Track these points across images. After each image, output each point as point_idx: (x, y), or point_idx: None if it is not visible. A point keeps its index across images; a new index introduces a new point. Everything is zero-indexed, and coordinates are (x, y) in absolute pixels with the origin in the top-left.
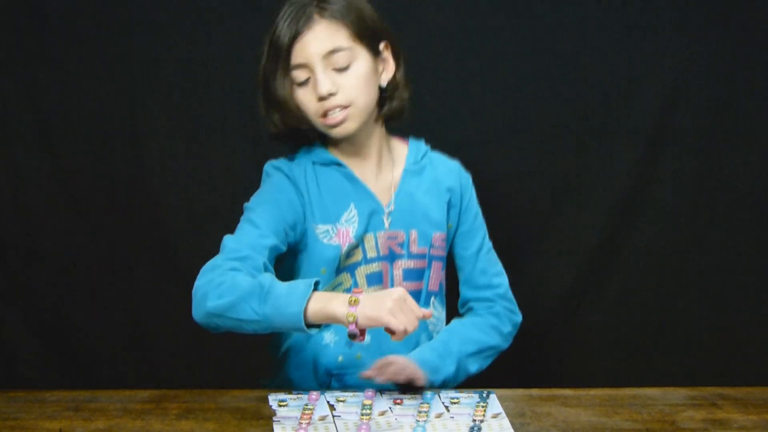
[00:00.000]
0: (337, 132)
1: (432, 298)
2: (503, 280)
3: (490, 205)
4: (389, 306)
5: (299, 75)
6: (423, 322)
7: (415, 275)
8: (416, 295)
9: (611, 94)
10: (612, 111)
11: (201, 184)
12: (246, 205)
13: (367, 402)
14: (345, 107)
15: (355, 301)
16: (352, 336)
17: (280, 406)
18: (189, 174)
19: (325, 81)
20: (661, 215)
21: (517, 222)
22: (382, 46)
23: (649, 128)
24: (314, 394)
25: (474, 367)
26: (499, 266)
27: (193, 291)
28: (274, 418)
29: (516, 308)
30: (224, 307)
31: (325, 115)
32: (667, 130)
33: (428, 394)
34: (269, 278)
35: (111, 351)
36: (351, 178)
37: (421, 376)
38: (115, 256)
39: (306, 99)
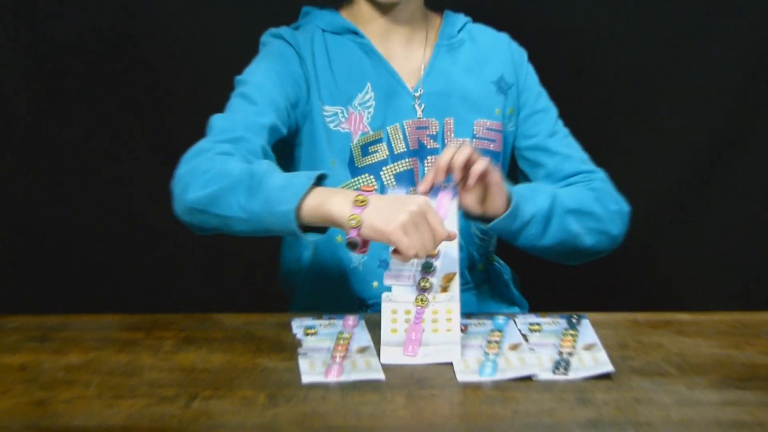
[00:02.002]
0: None
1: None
2: (597, 169)
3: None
4: (403, 219)
5: None
6: (469, 238)
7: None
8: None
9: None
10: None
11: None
12: (238, 77)
13: (345, 335)
14: None
15: (362, 201)
16: (351, 245)
17: (306, 334)
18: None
19: None
20: None
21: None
22: None
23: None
24: (351, 319)
25: (575, 226)
26: (586, 156)
27: (173, 181)
28: (300, 350)
29: (621, 198)
30: (207, 200)
31: None
32: None
33: (500, 319)
34: (266, 166)
35: (89, 267)
36: (370, 51)
37: (502, 186)
38: (98, 141)
39: None
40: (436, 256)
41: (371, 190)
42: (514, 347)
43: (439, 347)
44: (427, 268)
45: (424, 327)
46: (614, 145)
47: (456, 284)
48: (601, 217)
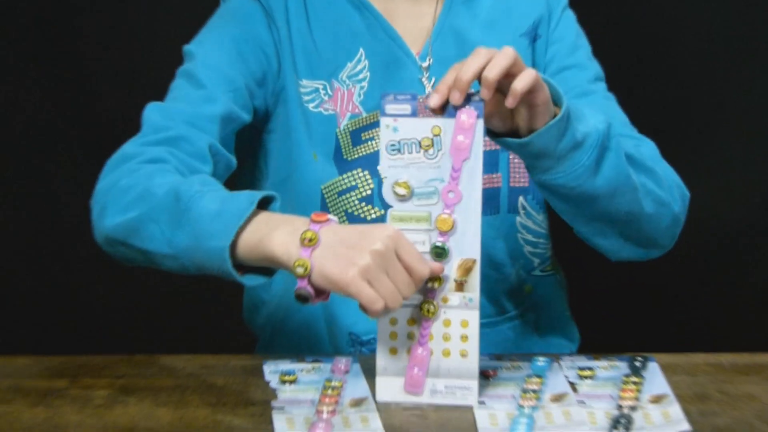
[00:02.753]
0: None
1: (521, 199)
2: (644, 137)
3: None
4: (363, 264)
5: None
6: (512, 239)
7: (485, 159)
8: (492, 197)
9: None
10: None
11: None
12: (186, 47)
13: (335, 383)
14: None
15: (310, 239)
16: (301, 299)
17: (283, 382)
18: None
19: None
20: None
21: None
22: None
23: None
24: (342, 362)
25: (634, 176)
26: (634, 130)
27: (92, 198)
28: (275, 404)
29: (680, 180)
30: (126, 229)
31: None
32: None
33: (540, 360)
34: (198, 183)
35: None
36: (363, 7)
37: (549, 107)
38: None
39: None
40: (450, 231)
41: (324, 220)
42: (559, 398)
43: (452, 381)
44: (439, 253)
45: (432, 348)
46: (692, 154)
47: (476, 278)
48: (660, 179)
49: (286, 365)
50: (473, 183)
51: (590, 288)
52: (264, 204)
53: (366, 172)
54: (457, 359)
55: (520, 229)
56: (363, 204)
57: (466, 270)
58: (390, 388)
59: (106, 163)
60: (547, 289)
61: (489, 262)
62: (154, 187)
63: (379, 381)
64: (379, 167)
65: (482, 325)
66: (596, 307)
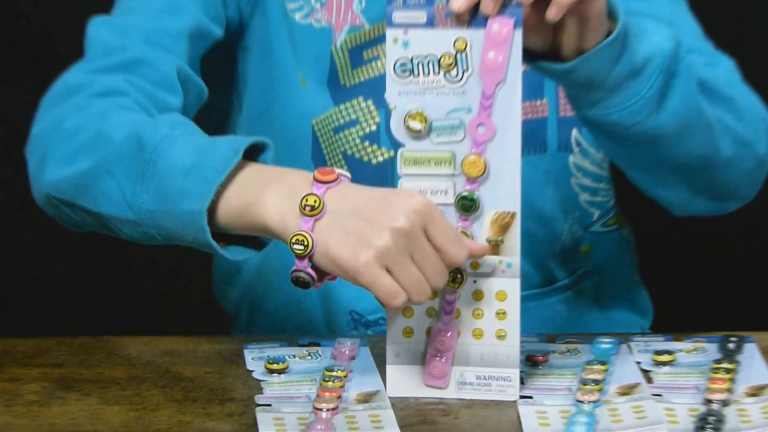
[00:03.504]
0: None
1: (574, 133)
2: (724, 61)
3: None
4: (380, 246)
5: None
6: (564, 185)
7: (525, 82)
8: (536, 130)
9: None
10: None
11: None
12: None
13: (337, 372)
14: None
15: (313, 206)
16: (299, 283)
17: (271, 371)
18: None
19: None
20: None
21: None
22: None
23: None
24: (347, 345)
25: (708, 109)
26: (709, 44)
27: (27, 147)
28: (260, 400)
29: (766, 111)
30: (73, 185)
31: None
32: None
33: (604, 341)
34: (168, 123)
35: None
36: None
37: (603, 20)
38: None
39: None
40: (481, 177)
41: (332, 180)
42: (628, 391)
43: (485, 370)
44: (467, 206)
45: (460, 328)
46: None
47: (515, 237)
48: (742, 111)
49: (273, 350)
50: (510, 113)
51: (664, 248)
52: (252, 154)
53: (369, 102)
54: (492, 342)
55: (574, 172)
56: (366, 143)
57: (503, 227)
58: (404, 380)
59: (43, 99)
60: (610, 250)
61: (533, 216)
62: (110, 129)
63: (391, 371)
64: (386, 94)
65: (526, 299)
66: (673, 273)
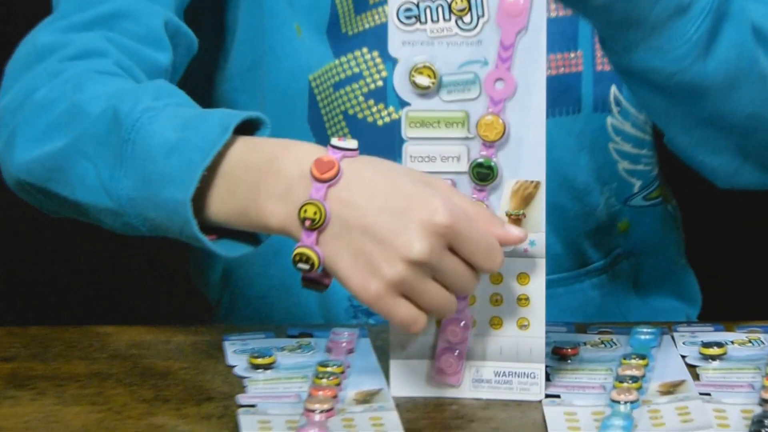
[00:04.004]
0: None
1: (613, 90)
2: None
3: None
4: (395, 272)
5: None
6: (601, 151)
7: (556, 31)
8: (569, 87)
9: None
10: None
11: None
12: None
13: (332, 368)
14: None
15: (314, 218)
16: (310, 283)
17: (255, 366)
18: None
19: None
20: None
21: None
22: None
23: None
24: (344, 336)
25: (763, 59)
26: None
27: None
28: (242, 400)
29: None
30: (45, 168)
31: None
32: None
33: (644, 332)
34: (152, 94)
35: None
36: None
37: None
38: None
39: None
40: (499, 140)
41: (332, 176)
42: (671, 389)
43: (505, 365)
44: (484, 175)
45: (475, 317)
46: None
47: (540, 211)
48: None
49: (258, 341)
50: (534, 66)
51: (713, 225)
52: (247, 129)
53: (375, 54)
54: (514, 332)
55: (612, 136)
56: (371, 102)
57: (525, 199)
58: (411, 377)
59: (8, 64)
60: (652, 226)
61: (564, 187)
62: (86, 101)
63: (395, 367)
64: (388, 45)
65: (553, 283)
66: (723, 254)
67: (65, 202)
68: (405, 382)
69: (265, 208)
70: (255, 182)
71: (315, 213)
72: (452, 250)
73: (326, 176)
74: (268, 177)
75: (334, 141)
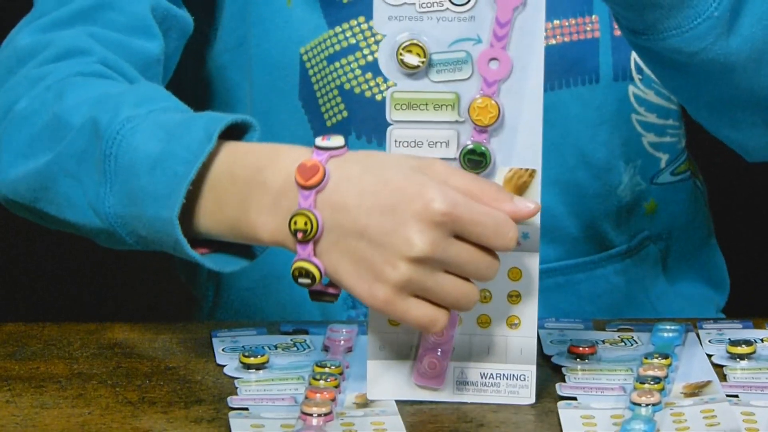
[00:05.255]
0: None
1: (633, 57)
2: None
3: None
4: (398, 275)
5: None
6: (623, 124)
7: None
8: (586, 55)
9: None
10: None
11: None
12: None
13: (330, 368)
14: None
15: (305, 228)
16: (317, 295)
17: (247, 366)
18: None
19: None
20: None
21: None
22: None
23: None
24: (342, 333)
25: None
26: None
27: None
28: (233, 403)
29: None
30: (30, 188)
31: None
32: None
33: (666, 329)
34: (134, 100)
35: None
36: None
37: None
38: None
39: None
40: (493, 125)
41: (317, 182)
42: (696, 391)
43: (492, 367)
44: (476, 162)
45: (462, 314)
46: None
47: (535, 196)
48: None
49: (250, 338)
50: (531, 45)
51: (737, 206)
52: (235, 131)
53: (372, 23)
54: (503, 331)
55: (635, 107)
56: (368, 75)
57: (519, 187)
58: (390, 379)
59: None
60: (681, 205)
61: (582, 165)
62: (67, 111)
63: (373, 368)
64: (372, 21)
65: (572, 268)
66: (749, 239)
67: (55, 221)
68: (383, 384)
69: (255, 221)
70: (242, 195)
71: (306, 223)
72: (460, 236)
73: (311, 182)
74: (255, 189)
75: (318, 141)
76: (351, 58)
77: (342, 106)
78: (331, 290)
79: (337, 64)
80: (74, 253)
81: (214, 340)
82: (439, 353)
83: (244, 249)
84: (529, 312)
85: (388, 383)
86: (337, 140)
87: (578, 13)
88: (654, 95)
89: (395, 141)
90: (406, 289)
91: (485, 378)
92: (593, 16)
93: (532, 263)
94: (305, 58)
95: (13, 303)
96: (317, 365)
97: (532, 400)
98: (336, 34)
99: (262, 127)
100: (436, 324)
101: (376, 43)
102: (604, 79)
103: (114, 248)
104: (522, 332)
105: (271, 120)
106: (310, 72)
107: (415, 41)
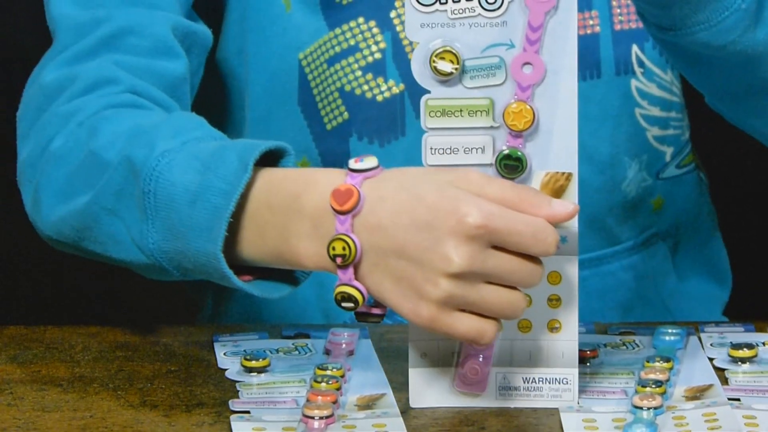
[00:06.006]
0: None
1: (634, 50)
2: None
3: None
4: (439, 292)
5: None
6: (626, 119)
7: None
8: (587, 50)
9: None
10: None
11: None
12: None
13: (332, 371)
14: None
15: (344, 255)
16: (363, 317)
17: (249, 369)
18: None
19: None
20: None
21: None
22: None
23: None
24: (344, 337)
25: None
26: None
27: (18, 177)
28: (235, 406)
29: None
30: (74, 228)
31: None
32: None
33: (669, 333)
34: (168, 132)
35: None
36: None
37: None
38: None
39: None
40: (528, 129)
41: (351, 206)
42: (698, 394)
43: (535, 371)
44: (513, 166)
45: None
46: None
47: (573, 200)
48: None
49: (251, 342)
50: (564, 49)
51: (739, 201)
52: (270, 157)
53: (372, 23)
54: (544, 336)
55: (638, 101)
56: (369, 75)
57: (556, 191)
58: (432, 386)
59: (19, 109)
60: (688, 198)
61: (585, 160)
62: (102, 148)
63: (414, 376)
64: (405, 29)
65: (579, 264)
66: (751, 235)
67: (102, 258)
68: (426, 392)
69: (297, 248)
70: (282, 223)
71: (344, 248)
72: (499, 246)
73: (347, 207)
74: (293, 216)
75: (352, 163)
76: (351, 59)
77: (342, 109)
78: (375, 311)
79: (338, 66)
80: (76, 256)
81: (216, 345)
82: (480, 359)
83: (287, 274)
84: (569, 315)
85: (430, 391)
86: (371, 161)
87: (578, 9)
88: (656, 88)
89: (431, 148)
90: (449, 304)
91: (528, 383)
92: (593, 11)
93: (571, 267)
94: (304, 63)
95: (15, 306)
96: (319, 368)
97: (575, 403)
98: (336, 36)
99: (260, 134)
100: (484, 336)
101: (376, 43)
102: (605, 74)
103: (162, 280)
104: (563, 336)
105: (269, 126)
106: (309, 77)
107: (447, 48)
